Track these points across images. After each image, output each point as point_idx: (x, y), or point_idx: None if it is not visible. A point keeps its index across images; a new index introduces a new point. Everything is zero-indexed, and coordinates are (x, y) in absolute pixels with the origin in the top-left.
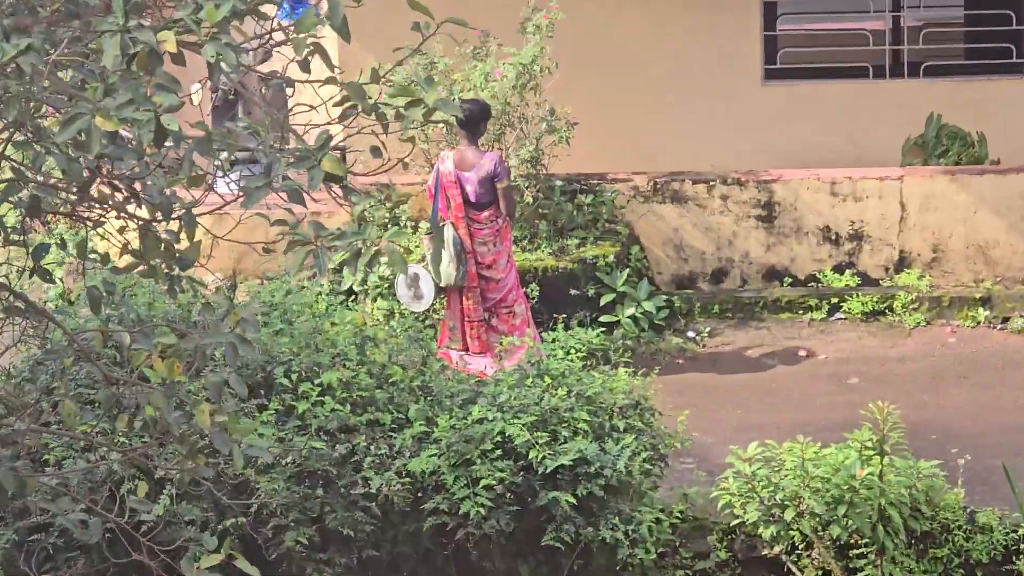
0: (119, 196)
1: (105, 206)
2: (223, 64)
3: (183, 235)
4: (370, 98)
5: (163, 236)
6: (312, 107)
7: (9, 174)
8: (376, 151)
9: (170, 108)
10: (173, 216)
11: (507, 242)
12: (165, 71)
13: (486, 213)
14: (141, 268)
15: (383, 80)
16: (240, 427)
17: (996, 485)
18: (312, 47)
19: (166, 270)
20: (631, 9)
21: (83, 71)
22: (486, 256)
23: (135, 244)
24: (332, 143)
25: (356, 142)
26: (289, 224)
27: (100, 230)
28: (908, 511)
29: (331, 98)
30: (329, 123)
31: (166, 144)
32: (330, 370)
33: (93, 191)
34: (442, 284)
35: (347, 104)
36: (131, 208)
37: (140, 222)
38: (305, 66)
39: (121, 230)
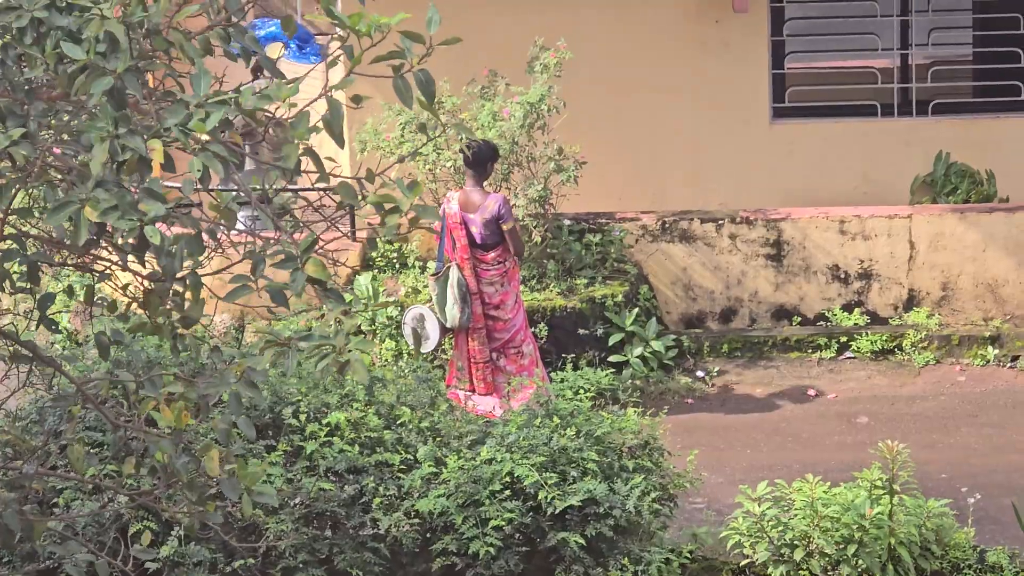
0: (123, 253)
1: (111, 263)
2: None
3: (188, 295)
4: (364, 195)
5: (168, 294)
6: (309, 203)
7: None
8: (372, 244)
9: (155, 219)
10: (177, 277)
11: (515, 283)
12: (155, 179)
13: (492, 254)
14: (146, 325)
15: (379, 177)
16: (249, 473)
17: (1006, 524)
18: (304, 151)
19: (170, 328)
20: (639, 48)
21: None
22: (493, 297)
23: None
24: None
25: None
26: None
27: (108, 282)
28: (918, 550)
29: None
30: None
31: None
32: (338, 411)
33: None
34: (448, 325)
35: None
36: (134, 264)
37: (144, 280)
38: (297, 170)
39: (125, 287)
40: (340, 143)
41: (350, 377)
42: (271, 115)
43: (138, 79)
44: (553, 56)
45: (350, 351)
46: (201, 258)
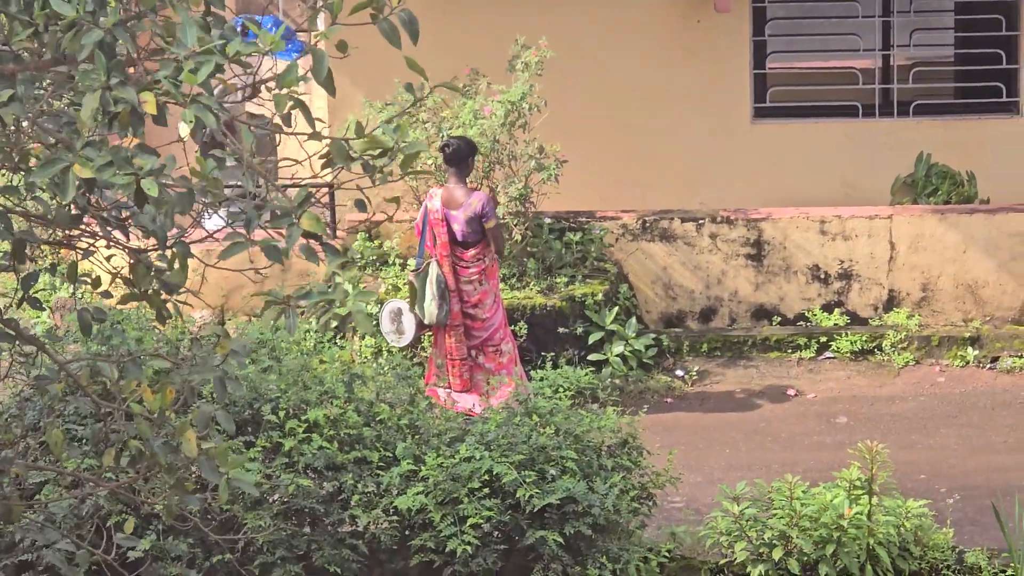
0: (108, 227)
1: (95, 236)
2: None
3: (176, 264)
4: (354, 153)
5: (156, 264)
6: (297, 162)
7: None
8: (361, 204)
9: (151, 172)
10: (168, 244)
11: (494, 281)
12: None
13: (472, 251)
14: (131, 295)
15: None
16: (230, 459)
17: (985, 525)
18: (294, 102)
19: (158, 297)
20: (619, 47)
21: (65, 125)
22: (471, 295)
23: (125, 273)
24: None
25: (345, 189)
26: (267, 287)
27: (91, 259)
28: (897, 551)
29: (315, 153)
30: (314, 176)
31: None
32: (317, 407)
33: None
34: (425, 322)
35: (329, 162)
36: (120, 238)
37: (131, 251)
38: (287, 121)
39: (108, 258)
40: (331, 91)
41: (328, 375)
42: (248, 120)
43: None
44: (534, 55)
45: (351, 303)
46: (187, 227)
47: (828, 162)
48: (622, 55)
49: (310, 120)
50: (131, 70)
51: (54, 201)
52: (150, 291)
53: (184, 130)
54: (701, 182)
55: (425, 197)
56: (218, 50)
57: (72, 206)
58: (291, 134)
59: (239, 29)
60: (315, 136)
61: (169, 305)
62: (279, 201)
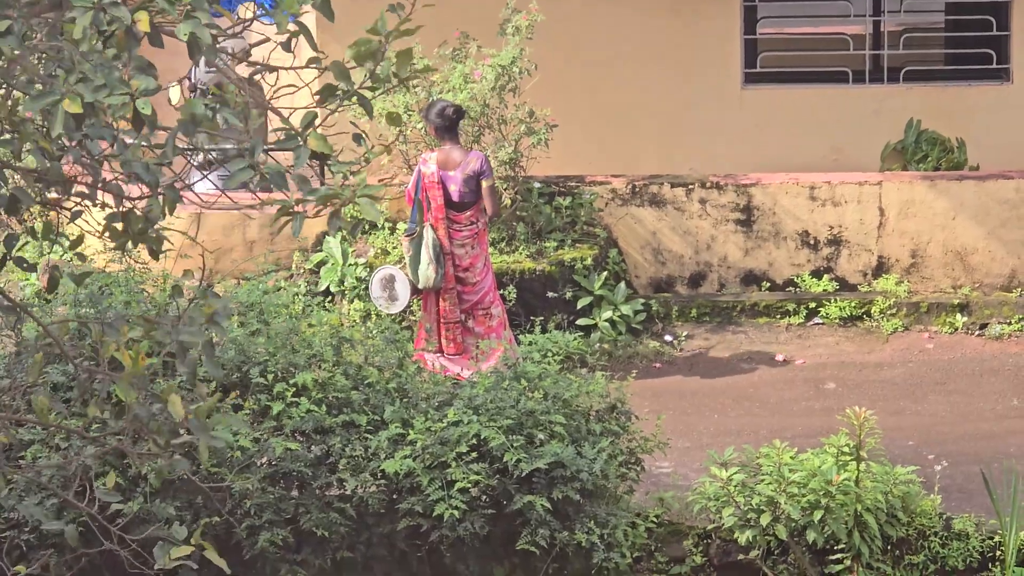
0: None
1: (84, 197)
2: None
3: (166, 211)
4: (353, 83)
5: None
6: (295, 87)
7: None
8: (358, 138)
9: (146, 92)
10: (159, 191)
11: (484, 245)
12: (140, 56)
13: (467, 213)
14: (122, 236)
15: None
16: (216, 418)
17: (973, 492)
18: (296, 27)
19: (155, 236)
20: (610, 11)
21: (59, 63)
22: (464, 259)
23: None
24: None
25: (338, 132)
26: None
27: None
28: (884, 517)
29: (313, 80)
30: (309, 107)
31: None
32: (306, 371)
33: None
34: (420, 286)
35: (327, 90)
36: (104, 195)
37: (124, 199)
38: (287, 46)
39: (75, 215)
40: (329, 16)
41: (317, 339)
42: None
43: None
44: (525, 19)
45: (358, 199)
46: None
47: (818, 128)
48: (612, 19)
49: (312, 44)
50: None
51: (46, 157)
52: (145, 231)
53: (175, 95)
54: (691, 147)
55: (419, 162)
56: None
57: (66, 159)
58: (290, 69)
59: None
60: (315, 60)
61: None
62: (268, 167)
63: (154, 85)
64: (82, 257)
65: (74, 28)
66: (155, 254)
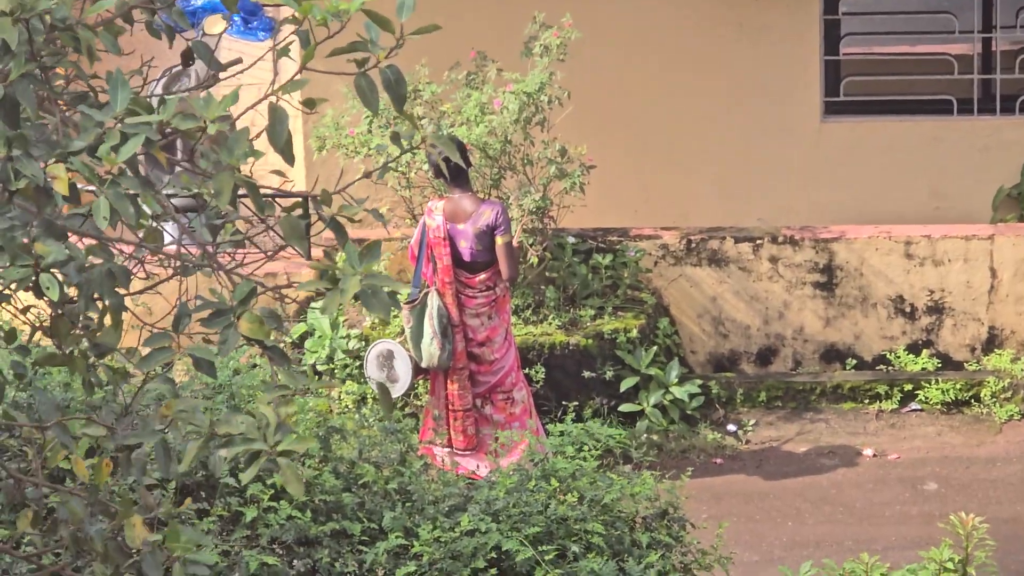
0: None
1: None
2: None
3: (107, 320)
4: (321, 215)
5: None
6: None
7: None
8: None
9: (54, 264)
10: (95, 297)
11: (505, 315)
12: (50, 219)
13: (481, 276)
14: (55, 357)
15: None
16: (182, 541)
17: None
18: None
19: (83, 359)
20: (660, 28)
21: None
22: (478, 331)
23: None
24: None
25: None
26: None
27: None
28: None
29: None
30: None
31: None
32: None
33: None
34: (423, 365)
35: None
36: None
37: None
38: (234, 202)
39: (25, 310)
40: (289, 160)
41: (302, 428)
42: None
43: (34, 86)
44: (556, 36)
45: (280, 453)
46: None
47: (915, 169)
48: (662, 38)
49: (258, 201)
50: (44, 120)
51: None
52: (75, 352)
53: (102, 221)
54: (758, 193)
55: (425, 212)
56: (155, 119)
57: None
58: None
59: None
60: (260, 208)
61: (97, 363)
62: (216, 295)
63: (64, 256)
64: (25, 350)
65: None
66: (89, 388)
